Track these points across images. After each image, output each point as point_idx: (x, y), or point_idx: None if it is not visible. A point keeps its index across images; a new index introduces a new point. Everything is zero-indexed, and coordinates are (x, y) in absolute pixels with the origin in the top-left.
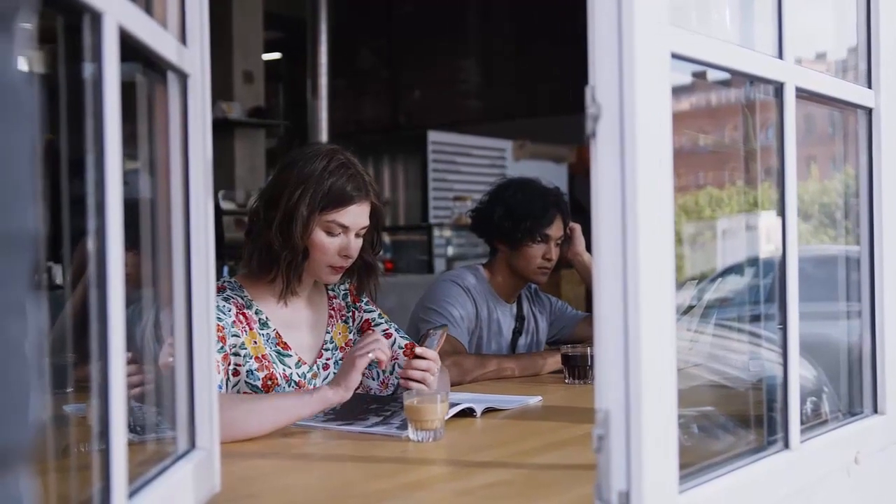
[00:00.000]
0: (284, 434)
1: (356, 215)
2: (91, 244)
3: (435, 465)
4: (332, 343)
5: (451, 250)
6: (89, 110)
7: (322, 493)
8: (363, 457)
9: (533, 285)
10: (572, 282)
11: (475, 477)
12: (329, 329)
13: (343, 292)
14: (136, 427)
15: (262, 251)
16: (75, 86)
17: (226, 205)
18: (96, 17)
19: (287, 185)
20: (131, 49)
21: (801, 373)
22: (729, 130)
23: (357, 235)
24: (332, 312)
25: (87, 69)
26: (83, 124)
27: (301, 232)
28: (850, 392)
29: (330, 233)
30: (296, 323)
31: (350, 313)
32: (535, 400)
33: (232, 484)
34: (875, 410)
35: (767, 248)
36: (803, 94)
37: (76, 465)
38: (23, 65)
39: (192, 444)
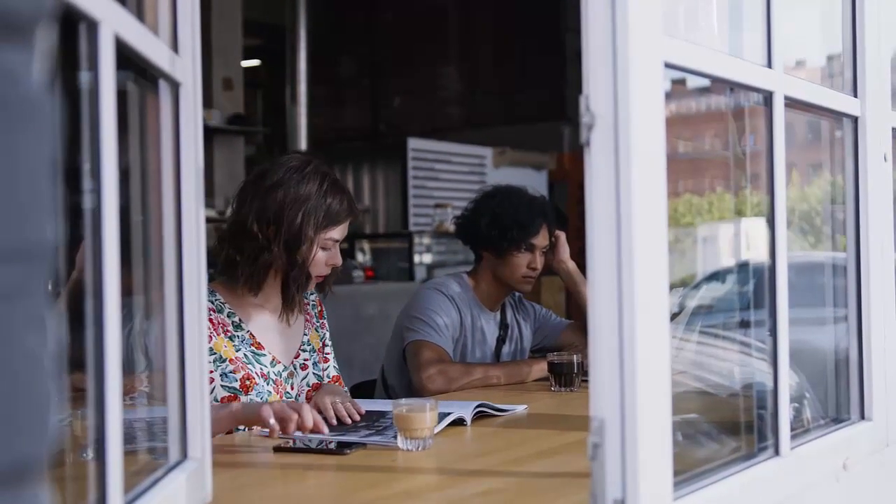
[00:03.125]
0: (275, 445)
1: (345, 229)
2: (87, 253)
3: (426, 474)
4: (309, 345)
5: (431, 258)
6: (85, 118)
7: (313, 503)
8: (353, 466)
9: (517, 293)
10: (552, 289)
11: (467, 485)
12: (306, 332)
13: (312, 302)
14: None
15: (261, 270)
16: (70, 94)
17: (205, 212)
18: (93, 26)
19: (284, 206)
20: (124, 57)
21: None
22: (709, 137)
23: (340, 245)
24: (308, 317)
25: (83, 77)
26: (78, 132)
27: (307, 253)
28: (838, 398)
29: (324, 248)
30: (272, 325)
31: (319, 323)
32: (521, 408)
33: (223, 494)
34: (862, 417)
35: (749, 255)
36: (791, 103)
37: (66, 475)
38: (42, 76)
39: (185, 455)
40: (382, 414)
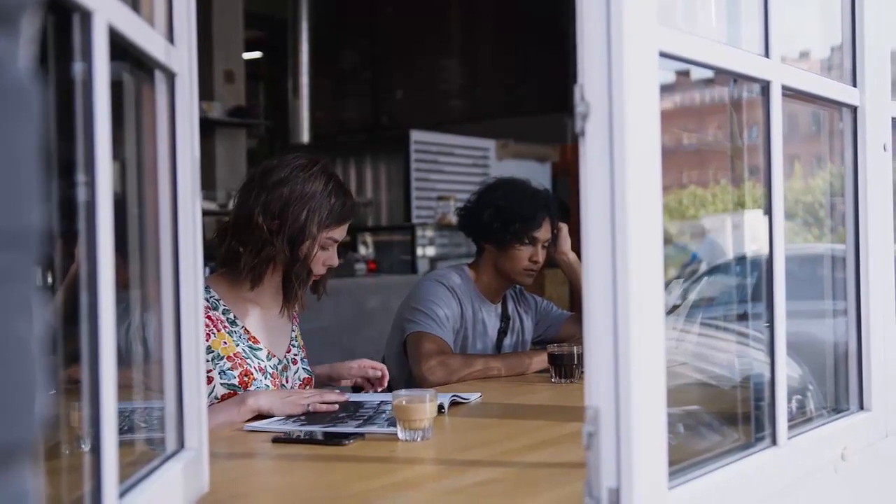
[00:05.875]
0: (272, 436)
1: (345, 230)
2: (80, 245)
3: (424, 465)
4: (296, 341)
5: (434, 250)
6: (79, 109)
7: (311, 494)
8: (351, 457)
9: (518, 285)
10: (555, 281)
11: (465, 476)
12: (294, 328)
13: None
14: (121, 427)
15: (263, 263)
16: (62, 84)
17: (206, 205)
18: (86, 16)
19: (289, 202)
20: (119, 48)
21: (786, 371)
22: (713, 129)
23: (338, 245)
24: (294, 315)
25: (76, 68)
26: (71, 123)
27: (309, 249)
28: (837, 389)
29: (323, 247)
30: (264, 321)
31: (298, 323)
32: (475, 396)
33: (220, 484)
34: (861, 407)
35: (752, 247)
36: (789, 93)
37: (63, 466)
38: (27, 64)
39: (181, 445)
40: (360, 404)
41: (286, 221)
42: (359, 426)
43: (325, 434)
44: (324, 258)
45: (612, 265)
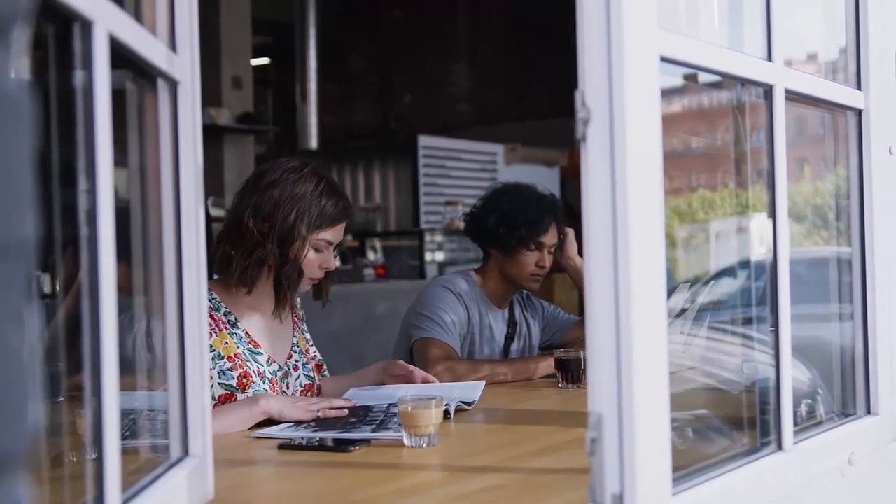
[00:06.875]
0: (277, 442)
1: (341, 232)
2: (82, 253)
3: (429, 471)
4: (298, 347)
5: (442, 255)
6: (80, 118)
7: (317, 501)
8: (357, 463)
9: (525, 290)
10: (565, 286)
11: (470, 482)
12: (295, 334)
13: (299, 304)
14: (125, 433)
15: (255, 266)
16: (64, 93)
17: (215, 211)
18: (87, 25)
19: (279, 204)
20: (121, 56)
21: (795, 375)
22: (721, 132)
23: (335, 248)
24: (296, 320)
25: (78, 77)
26: (73, 132)
27: (299, 251)
28: (844, 393)
29: (317, 249)
30: (265, 326)
31: (304, 325)
32: (479, 389)
33: (225, 492)
34: (868, 411)
35: (760, 251)
36: (793, 96)
37: (68, 474)
38: (20, 73)
39: (186, 452)
40: (369, 409)
41: (276, 223)
42: (372, 431)
43: (334, 440)
44: (319, 261)
45: (614, 270)
